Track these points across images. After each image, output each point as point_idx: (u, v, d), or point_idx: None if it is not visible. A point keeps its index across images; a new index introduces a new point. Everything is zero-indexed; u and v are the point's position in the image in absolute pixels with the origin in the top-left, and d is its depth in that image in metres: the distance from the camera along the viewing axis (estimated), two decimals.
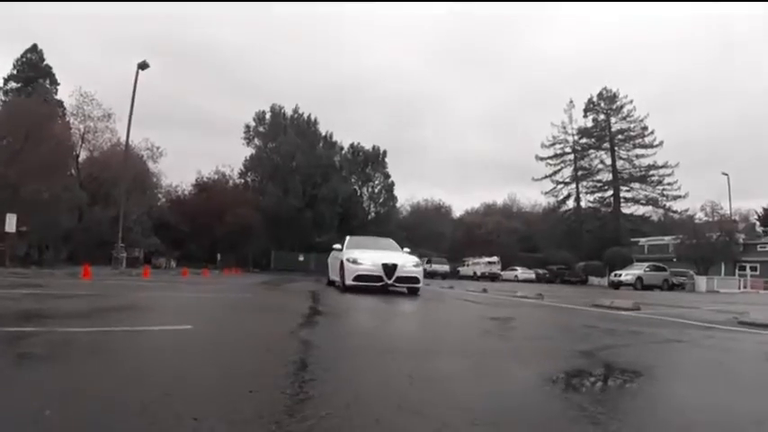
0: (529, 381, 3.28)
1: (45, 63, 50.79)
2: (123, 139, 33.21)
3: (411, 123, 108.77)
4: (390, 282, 12.76)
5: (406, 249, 15.40)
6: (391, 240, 17.32)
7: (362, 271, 12.86)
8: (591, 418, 2.37)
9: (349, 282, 12.83)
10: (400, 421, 2.30)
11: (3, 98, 43.75)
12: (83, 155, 42.34)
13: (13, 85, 48.64)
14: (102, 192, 40.38)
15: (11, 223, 23.84)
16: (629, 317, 8.38)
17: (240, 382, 2.87)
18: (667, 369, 3.97)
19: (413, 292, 13.18)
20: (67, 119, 41.11)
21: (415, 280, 13.26)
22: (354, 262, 13.12)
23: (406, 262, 13.40)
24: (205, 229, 49.36)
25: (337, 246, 15.50)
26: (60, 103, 43.80)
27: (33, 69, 49.64)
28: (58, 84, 50.44)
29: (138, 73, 29.14)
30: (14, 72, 49.89)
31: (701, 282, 37.40)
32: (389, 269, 12.82)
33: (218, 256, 48.31)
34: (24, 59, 50.27)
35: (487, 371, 3.58)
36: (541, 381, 3.27)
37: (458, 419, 2.30)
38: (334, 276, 15.18)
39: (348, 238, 16.35)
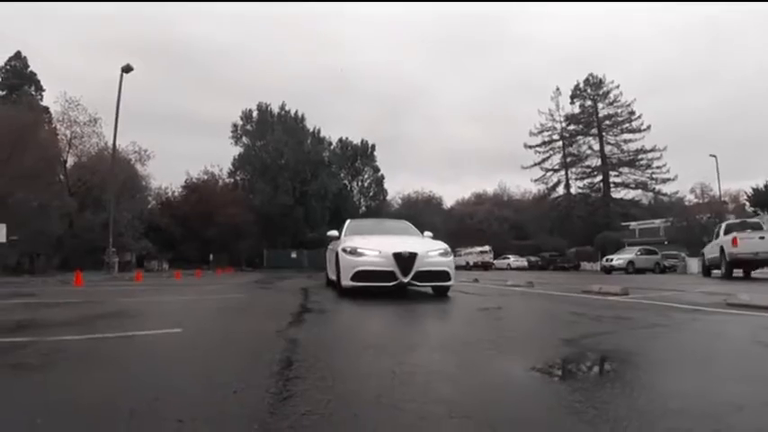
0: (509, 372, 3.34)
1: (29, 70, 50.59)
2: (110, 143, 33.14)
3: (400, 115, 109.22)
4: (407, 279, 9.07)
5: (428, 233, 11.70)
6: (406, 222, 13.43)
7: (365, 265, 9.22)
8: (568, 408, 2.41)
9: (346, 282, 9.33)
10: (378, 416, 2.35)
11: None
12: (70, 161, 42.02)
13: None
14: (92, 197, 40.13)
15: (1, 233, 23.75)
16: (618, 302, 8.42)
17: (226, 382, 2.90)
18: (650, 355, 3.99)
19: (441, 294, 9.86)
20: (53, 125, 40.83)
21: (444, 276, 9.51)
22: (353, 252, 9.46)
23: (430, 250, 9.66)
24: (197, 230, 49.28)
25: (333, 232, 12.22)
26: (46, 110, 43.44)
27: (18, 76, 49.54)
28: (43, 90, 50.39)
29: (122, 76, 29.05)
30: None
31: (693, 264, 37.50)
32: (405, 261, 9.09)
33: (211, 256, 48.21)
34: (8, 67, 50.19)
35: (469, 363, 3.62)
36: (522, 371, 3.31)
37: (435, 413, 2.36)
38: (333, 274, 11.18)
39: (348, 221, 12.76)
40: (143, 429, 2.17)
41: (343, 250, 9.67)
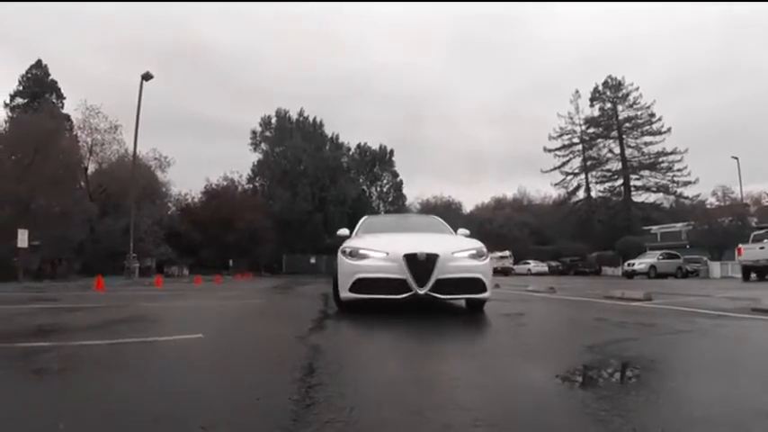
0: (534, 379, 3.30)
1: (50, 78, 51.09)
2: (131, 150, 33.51)
3: (418, 119, 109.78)
4: (424, 290, 6.81)
5: (464, 231, 9.22)
6: (435, 218, 10.81)
7: (368, 271, 7.08)
8: (594, 416, 2.39)
9: (345, 293, 7.28)
10: (402, 424, 2.33)
11: (10, 114, 43.86)
12: (91, 167, 42.58)
13: (19, 101, 48.98)
14: (112, 203, 40.59)
15: (23, 239, 24.07)
16: (641, 308, 8.37)
17: (248, 389, 2.92)
18: (675, 362, 3.97)
19: (476, 308, 7.71)
20: (75, 132, 41.36)
21: (477, 285, 7.15)
22: (354, 255, 7.37)
23: (456, 250, 7.34)
24: (216, 236, 49.50)
25: (344, 231, 9.48)
26: (67, 117, 44.01)
27: (39, 85, 49.97)
28: (64, 98, 50.78)
29: (142, 84, 29.40)
30: (20, 88, 50.23)
31: (715, 268, 37.16)
32: (421, 266, 6.85)
33: (230, 261, 48.41)
34: (30, 75, 50.62)
35: (493, 370, 3.59)
36: (547, 378, 3.27)
37: (460, 420, 2.33)
38: None
39: (365, 218, 10.51)
40: None
41: (343, 252, 7.56)
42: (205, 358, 4.16)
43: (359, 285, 7.10)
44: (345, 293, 7.28)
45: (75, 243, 33.80)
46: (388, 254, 7.10)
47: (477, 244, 7.73)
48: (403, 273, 6.84)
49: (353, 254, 7.38)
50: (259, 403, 2.60)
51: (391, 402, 2.67)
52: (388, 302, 7.07)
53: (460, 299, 7.75)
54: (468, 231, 9.24)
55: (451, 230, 9.34)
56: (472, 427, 2.25)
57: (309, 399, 2.65)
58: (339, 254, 7.62)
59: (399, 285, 6.86)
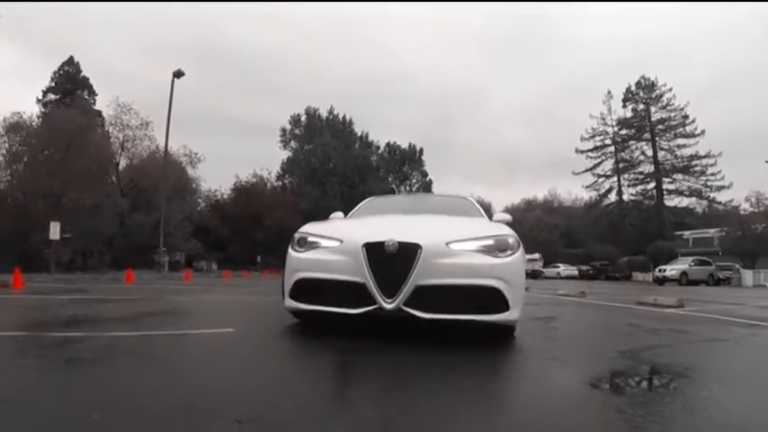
0: (568, 383, 3.25)
1: (82, 75, 51.86)
2: (162, 146, 33.89)
3: (448, 119, 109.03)
4: (394, 304, 4.22)
5: (502, 216, 6.41)
6: (467, 199, 7.90)
7: (311, 269, 4.71)
8: (629, 422, 2.36)
9: (287, 300, 4.93)
10: (439, 427, 2.31)
11: (42, 110, 44.74)
12: (122, 163, 43.47)
13: (51, 97, 49.84)
14: (143, 198, 41.24)
15: (55, 231, 24.50)
16: (673, 315, 8.27)
17: (281, 384, 2.92)
18: (709, 370, 3.92)
19: (499, 333, 5.04)
20: (106, 128, 42.02)
21: (489, 297, 4.34)
22: (301, 244, 4.98)
23: (458, 238, 4.54)
24: (245, 232, 49.92)
25: (337, 215, 7.29)
26: (99, 114, 44.78)
27: (71, 81, 50.79)
28: (96, 94, 51.66)
29: (173, 81, 29.69)
30: (52, 84, 51.15)
31: (748, 276, 36.59)
32: (390, 261, 4.27)
33: (258, 258, 48.74)
34: (62, 72, 51.52)
35: (527, 374, 3.59)
36: (581, 383, 3.24)
37: (498, 425, 2.32)
38: None
39: (368, 199, 8.15)
40: (202, 428, 2.17)
41: (291, 240, 5.12)
42: (236, 352, 4.17)
43: (298, 290, 4.82)
44: (287, 300, 4.96)
45: (105, 236, 34.38)
46: (342, 242, 4.68)
47: (500, 230, 4.93)
48: (361, 273, 4.36)
49: (301, 242, 5.01)
50: (293, 398, 2.60)
51: (427, 402, 2.65)
52: (345, 323, 4.78)
53: (459, 320, 4.40)
54: (509, 217, 6.38)
55: (480, 212, 6.82)
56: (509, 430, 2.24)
57: (345, 396, 2.66)
58: (290, 246, 5.12)
59: (355, 293, 4.40)
